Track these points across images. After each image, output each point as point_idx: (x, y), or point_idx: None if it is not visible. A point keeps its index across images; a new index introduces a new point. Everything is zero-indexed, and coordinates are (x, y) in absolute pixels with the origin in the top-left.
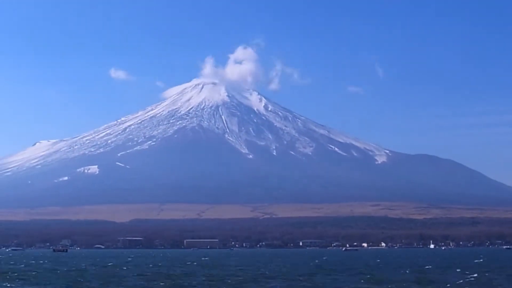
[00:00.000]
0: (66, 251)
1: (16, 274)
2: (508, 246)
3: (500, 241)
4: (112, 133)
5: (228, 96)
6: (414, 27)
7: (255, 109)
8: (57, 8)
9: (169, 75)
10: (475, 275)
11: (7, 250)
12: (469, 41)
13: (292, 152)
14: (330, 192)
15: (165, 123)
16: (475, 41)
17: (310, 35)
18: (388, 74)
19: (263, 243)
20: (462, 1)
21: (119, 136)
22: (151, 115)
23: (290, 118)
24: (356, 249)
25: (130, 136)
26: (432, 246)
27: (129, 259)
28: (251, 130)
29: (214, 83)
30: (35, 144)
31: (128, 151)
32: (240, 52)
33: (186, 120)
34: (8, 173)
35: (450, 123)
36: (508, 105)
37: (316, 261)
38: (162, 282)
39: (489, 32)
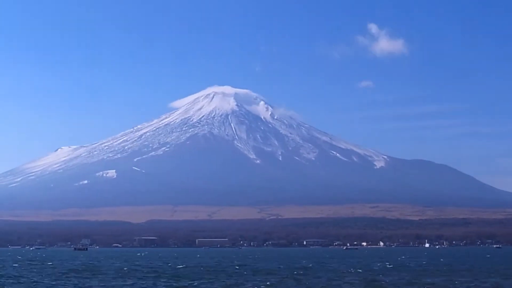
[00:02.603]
0: (86, 249)
1: None
2: (498, 245)
3: (490, 241)
4: (128, 139)
5: (237, 105)
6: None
7: (262, 117)
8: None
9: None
10: None
11: (31, 248)
12: (464, 50)
13: (297, 158)
14: (332, 195)
15: (178, 130)
16: (470, 50)
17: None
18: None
19: (270, 242)
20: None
21: (135, 143)
22: (165, 123)
23: (294, 126)
24: (356, 248)
25: (146, 143)
26: (427, 245)
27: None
28: (259, 137)
29: (223, 93)
30: (57, 150)
31: (143, 157)
32: None
33: (197, 128)
34: (32, 177)
35: (444, 130)
36: (497, 113)
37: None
38: None
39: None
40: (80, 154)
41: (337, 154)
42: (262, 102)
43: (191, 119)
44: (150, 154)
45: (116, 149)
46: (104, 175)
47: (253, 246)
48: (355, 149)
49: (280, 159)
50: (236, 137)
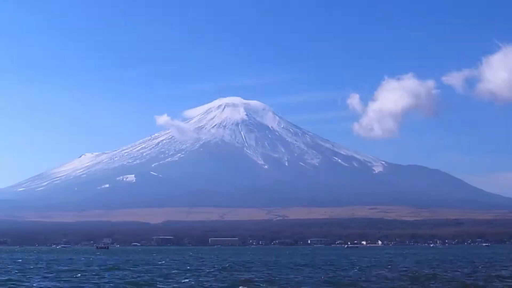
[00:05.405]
0: (107, 248)
1: None
2: (487, 244)
3: (480, 239)
4: (147, 146)
5: (246, 115)
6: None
7: (270, 126)
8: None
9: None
10: None
11: (58, 247)
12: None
13: (302, 163)
14: (334, 197)
15: (192, 138)
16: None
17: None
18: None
19: (277, 241)
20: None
21: (153, 149)
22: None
23: (299, 134)
24: (357, 247)
25: (163, 150)
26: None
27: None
28: (266, 144)
29: (234, 104)
30: (81, 156)
31: (160, 162)
32: None
33: (210, 136)
34: (57, 181)
35: (438, 136)
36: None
37: None
38: None
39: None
40: (102, 160)
41: (339, 160)
42: (270, 112)
43: (204, 128)
44: (167, 160)
45: (135, 155)
46: (124, 179)
47: (261, 245)
48: (355, 155)
49: (286, 164)
50: (246, 145)
